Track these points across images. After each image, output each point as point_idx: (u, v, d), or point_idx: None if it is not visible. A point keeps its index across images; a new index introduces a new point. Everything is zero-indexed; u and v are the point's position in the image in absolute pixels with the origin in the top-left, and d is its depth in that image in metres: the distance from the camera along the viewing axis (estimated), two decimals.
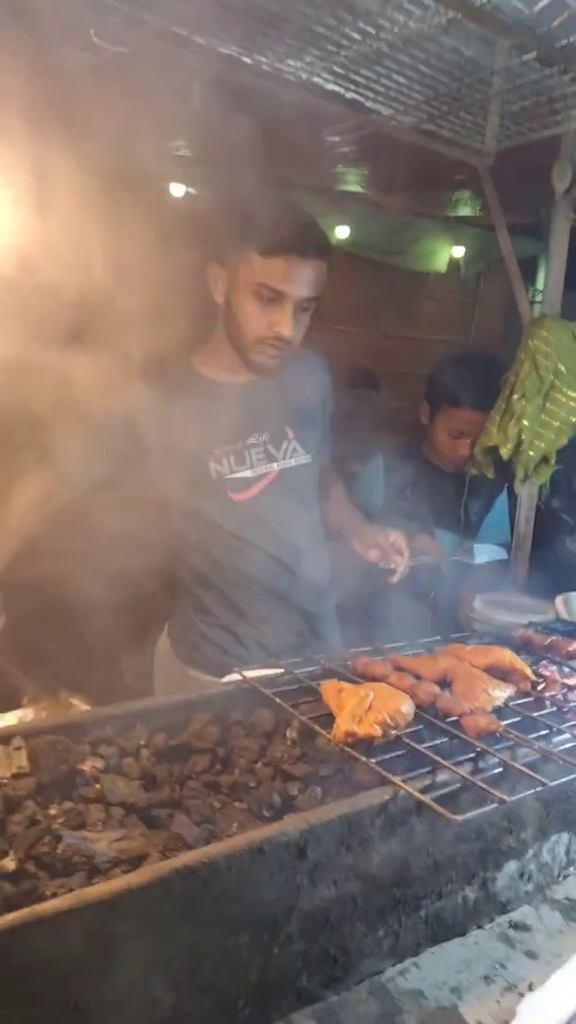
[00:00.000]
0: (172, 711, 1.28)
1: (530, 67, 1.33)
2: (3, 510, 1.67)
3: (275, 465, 1.81)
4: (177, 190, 4.24)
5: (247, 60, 1.33)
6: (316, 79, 1.39)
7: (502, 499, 2.63)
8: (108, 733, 1.19)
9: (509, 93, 1.50)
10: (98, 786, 1.07)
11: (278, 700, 1.28)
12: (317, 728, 1.18)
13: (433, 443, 2.49)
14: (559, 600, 2.11)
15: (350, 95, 1.45)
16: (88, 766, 1.11)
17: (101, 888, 0.78)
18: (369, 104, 1.50)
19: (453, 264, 5.50)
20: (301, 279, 1.59)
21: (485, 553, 2.47)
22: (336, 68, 1.35)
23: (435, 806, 0.97)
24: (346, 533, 1.98)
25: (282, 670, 1.40)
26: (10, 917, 0.72)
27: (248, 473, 1.78)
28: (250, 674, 1.38)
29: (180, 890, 0.81)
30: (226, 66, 1.34)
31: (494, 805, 0.99)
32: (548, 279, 2.38)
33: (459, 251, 5.38)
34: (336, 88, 1.43)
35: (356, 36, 1.23)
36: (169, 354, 1.74)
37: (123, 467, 1.71)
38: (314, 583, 1.87)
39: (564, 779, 1.08)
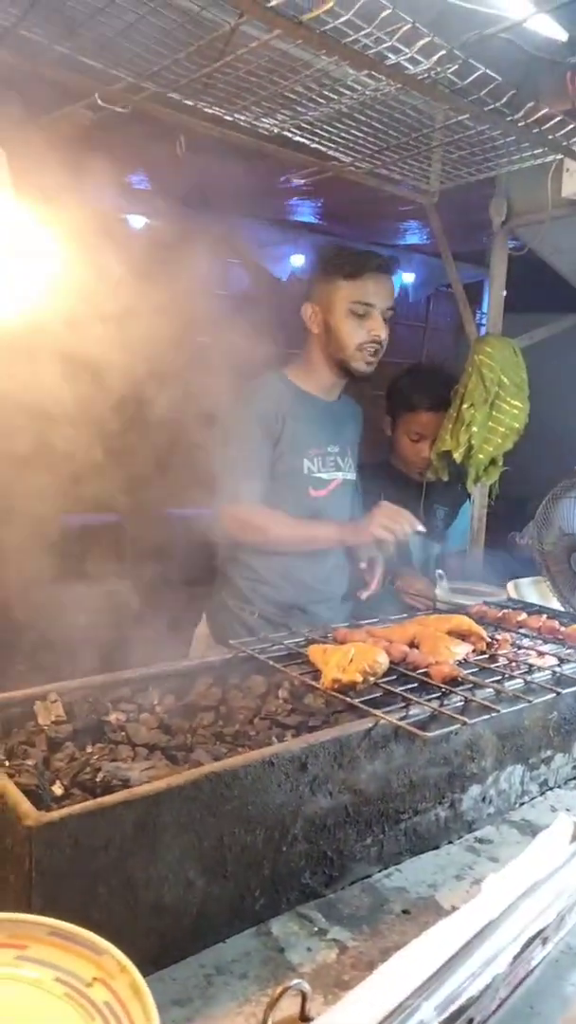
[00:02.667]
0: (179, 676, 1.46)
1: (465, 124, 1.59)
2: (287, 529, 2.03)
3: (340, 474, 2.18)
4: (137, 221, 4.52)
5: (228, 118, 1.56)
6: (286, 133, 1.63)
7: (467, 507, 2.89)
8: (126, 693, 1.37)
9: (449, 144, 1.76)
10: (124, 732, 1.25)
11: (271, 663, 1.47)
12: (308, 681, 1.38)
13: (398, 451, 2.74)
14: (510, 585, 2.36)
15: (314, 145, 1.70)
16: (113, 717, 1.29)
17: (147, 787, 0.96)
18: (331, 153, 1.75)
19: (403, 290, 5.81)
20: (383, 291, 2.01)
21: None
22: (303, 124, 1.59)
23: (409, 728, 1.18)
24: None
25: (271, 643, 1.60)
26: (79, 806, 0.90)
27: (325, 475, 2.14)
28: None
29: (208, 791, 1.00)
30: (210, 123, 1.57)
31: (457, 726, 1.20)
32: (491, 301, 2.66)
33: (409, 277, 5.69)
34: (303, 140, 1.67)
35: (321, 100, 1.47)
36: (259, 368, 2.10)
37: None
38: (340, 579, 2.20)
39: (513, 708, 1.30)
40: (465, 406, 2.53)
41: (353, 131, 1.63)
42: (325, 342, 2.05)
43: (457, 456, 2.55)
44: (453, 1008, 0.87)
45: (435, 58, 1.27)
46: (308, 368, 2.13)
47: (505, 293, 2.86)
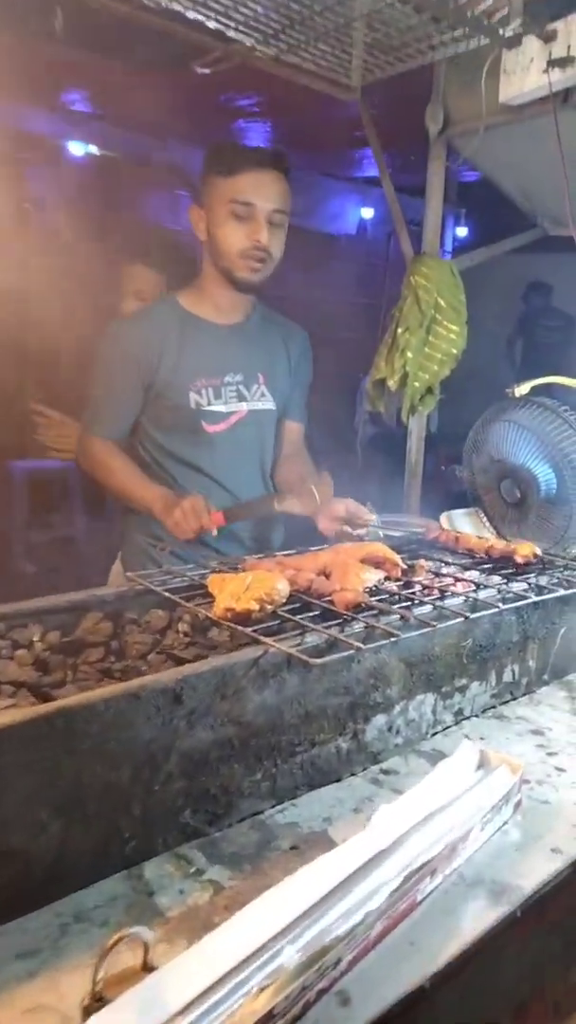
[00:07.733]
0: (65, 611, 1.35)
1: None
2: (123, 477, 1.93)
3: (245, 405, 1.98)
4: (77, 149, 4.22)
5: None
6: (176, 7, 1.45)
7: None
8: (0, 629, 1.26)
9: (368, 25, 1.59)
10: None
11: (167, 595, 1.37)
12: (204, 612, 1.28)
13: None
14: (443, 516, 2.28)
15: (211, 24, 1.52)
16: None
17: None
18: (231, 34, 1.57)
19: (363, 225, 5.59)
20: (265, 190, 1.78)
21: None
22: None
23: (297, 654, 1.08)
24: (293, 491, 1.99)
25: (173, 575, 1.50)
26: None
27: (222, 408, 1.94)
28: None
29: (61, 727, 0.90)
30: None
31: (350, 652, 1.11)
32: (427, 220, 2.51)
33: (368, 212, 5.47)
34: (197, 16, 1.49)
35: None
36: (153, 295, 1.97)
37: (142, 401, 1.93)
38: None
39: (414, 634, 1.22)
40: (400, 330, 2.41)
41: (250, 4, 1.45)
42: (210, 250, 1.88)
43: (392, 384, 2.44)
44: (317, 949, 0.79)
45: None
46: (202, 286, 1.95)
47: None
